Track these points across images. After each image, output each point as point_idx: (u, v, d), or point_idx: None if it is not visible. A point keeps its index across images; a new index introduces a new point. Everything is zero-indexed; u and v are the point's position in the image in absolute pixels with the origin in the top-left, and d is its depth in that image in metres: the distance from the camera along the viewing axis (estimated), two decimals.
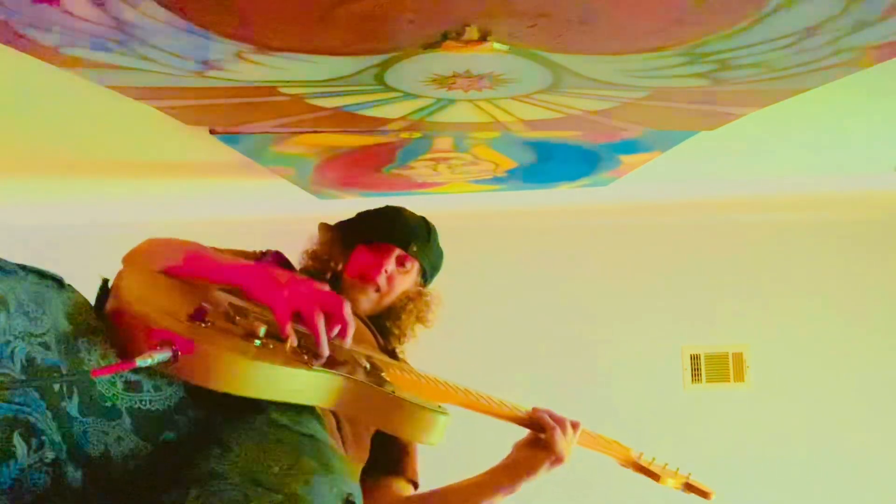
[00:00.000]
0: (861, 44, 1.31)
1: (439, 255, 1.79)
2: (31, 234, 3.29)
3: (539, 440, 1.55)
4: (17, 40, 1.27)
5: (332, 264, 1.70)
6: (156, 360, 0.99)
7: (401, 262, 1.67)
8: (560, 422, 1.55)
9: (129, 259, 1.35)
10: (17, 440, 0.89)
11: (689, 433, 3.71)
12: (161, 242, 1.34)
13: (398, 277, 1.66)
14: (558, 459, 1.53)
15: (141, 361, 0.98)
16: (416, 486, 1.65)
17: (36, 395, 0.92)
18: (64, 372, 0.96)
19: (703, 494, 1.77)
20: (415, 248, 1.68)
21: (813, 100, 1.67)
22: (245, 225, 3.47)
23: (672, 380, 4.08)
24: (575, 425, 1.57)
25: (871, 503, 3.95)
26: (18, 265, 1.02)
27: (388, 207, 1.78)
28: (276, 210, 3.46)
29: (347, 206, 3.13)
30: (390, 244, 1.66)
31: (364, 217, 1.76)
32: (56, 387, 0.95)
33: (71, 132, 2.02)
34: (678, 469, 1.77)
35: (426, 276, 1.74)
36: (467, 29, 1.22)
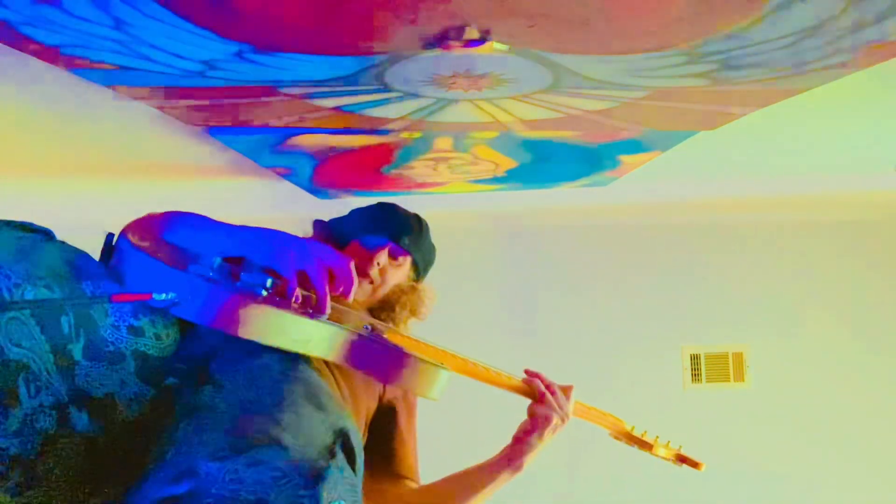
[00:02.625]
0: (861, 44, 1.31)
1: (431, 249, 1.80)
2: None
3: (535, 410, 1.62)
4: (17, 40, 1.27)
5: None
6: (171, 297, 1.02)
7: (393, 256, 1.68)
8: (549, 386, 1.62)
9: (127, 229, 1.35)
10: (21, 384, 0.90)
11: (689, 433, 3.70)
12: (158, 213, 1.34)
13: (391, 270, 1.68)
14: (561, 421, 1.60)
15: (157, 296, 1.01)
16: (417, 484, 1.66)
17: (43, 338, 0.94)
18: (70, 313, 0.97)
19: (695, 465, 1.80)
20: (406, 242, 1.70)
21: (813, 100, 1.67)
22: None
23: (672, 380, 4.08)
24: (566, 389, 1.64)
25: (871, 503, 3.96)
26: (2, 221, 1.04)
27: (380, 203, 1.79)
28: (276, 210, 3.46)
29: (347, 205, 3.13)
30: (383, 238, 1.68)
31: (357, 213, 1.78)
32: (65, 329, 0.96)
33: (71, 132, 2.03)
34: (669, 441, 1.79)
35: (419, 270, 1.76)
36: (467, 29, 1.22)
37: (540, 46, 1.32)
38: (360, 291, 1.64)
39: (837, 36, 1.26)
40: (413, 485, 1.64)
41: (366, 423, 1.56)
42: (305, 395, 1.13)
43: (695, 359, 4.11)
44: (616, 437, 1.77)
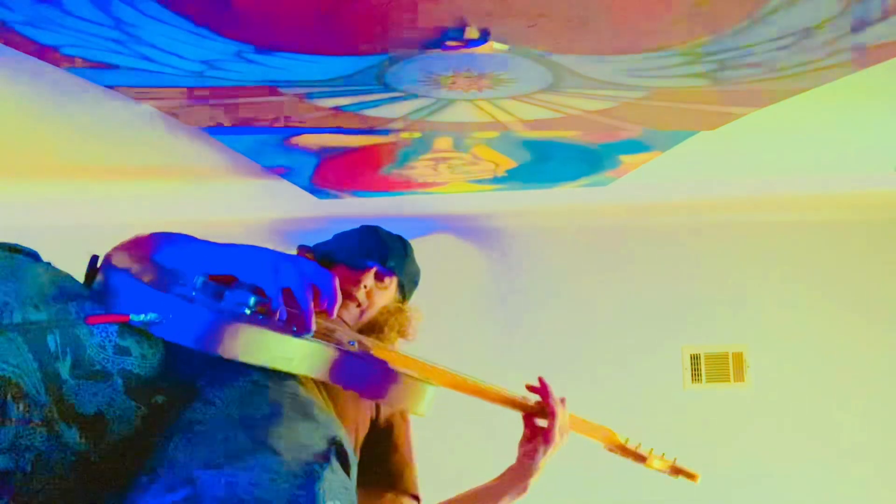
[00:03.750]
0: (861, 44, 1.31)
1: (416, 270, 1.82)
2: (34, 234, 3.28)
3: (543, 425, 1.60)
4: (17, 40, 1.27)
5: None
6: (149, 318, 1.01)
7: (379, 278, 1.70)
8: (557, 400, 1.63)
9: (113, 252, 1.35)
10: (10, 401, 0.91)
11: (689, 433, 3.71)
12: (144, 235, 1.35)
13: (377, 293, 1.69)
14: (562, 433, 1.59)
15: (135, 317, 1.00)
16: (418, 500, 1.66)
17: (30, 356, 0.94)
18: (55, 332, 0.98)
19: (690, 477, 1.78)
20: (392, 264, 1.71)
21: (813, 100, 1.67)
22: (244, 225, 3.46)
23: (672, 380, 4.08)
24: (562, 401, 1.64)
25: (871, 502, 3.95)
26: None
27: (364, 226, 1.81)
28: (275, 210, 3.46)
29: (347, 206, 3.13)
30: (368, 260, 1.68)
31: (341, 237, 1.79)
32: (52, 347, 0.97)
33: (71, 132, 2.03)
34: (664, 454, 1.78)
35: (405, 291, 1.77)
36: (467, 29, 1.23)
37: (540, 46, 1.32)
38: (347, 314, 1.65)
39: (837, 36, 1.26)
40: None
41: (357, 443, 1.55)
42: (295, 408, 1.13)
43: (695, 359, 4.11)
44: (610, 450, 1.77)
